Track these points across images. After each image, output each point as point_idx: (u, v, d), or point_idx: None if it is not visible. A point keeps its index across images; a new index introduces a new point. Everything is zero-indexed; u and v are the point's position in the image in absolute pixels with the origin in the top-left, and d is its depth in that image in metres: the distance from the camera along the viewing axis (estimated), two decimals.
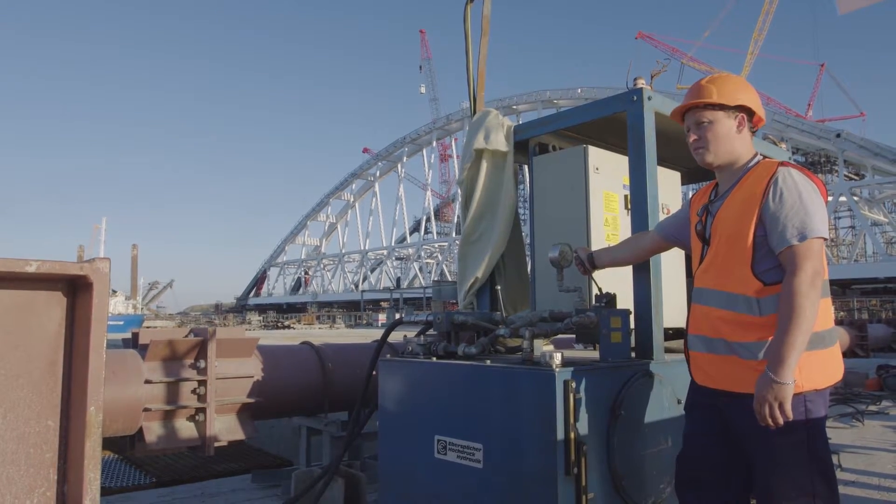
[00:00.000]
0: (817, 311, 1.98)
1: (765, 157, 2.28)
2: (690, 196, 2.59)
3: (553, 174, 3.44)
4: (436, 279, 63.76)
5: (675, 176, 3.74)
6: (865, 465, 4.92)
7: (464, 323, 3.01)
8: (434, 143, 78.39)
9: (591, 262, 2.89)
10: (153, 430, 3.40)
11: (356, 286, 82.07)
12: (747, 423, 2.06)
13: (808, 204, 2.04)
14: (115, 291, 68.49)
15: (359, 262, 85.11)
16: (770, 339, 2.02)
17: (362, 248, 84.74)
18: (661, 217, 3.21)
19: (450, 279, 58.98)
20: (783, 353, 1.93)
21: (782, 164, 2.15)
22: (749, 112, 2.26)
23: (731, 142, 2.23)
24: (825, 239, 2.06)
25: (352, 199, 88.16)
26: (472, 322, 3.03)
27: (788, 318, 1.94)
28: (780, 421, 1.94)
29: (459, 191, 3.73)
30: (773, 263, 2.08)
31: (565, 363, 2.39)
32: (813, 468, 2.03)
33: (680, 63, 69.27)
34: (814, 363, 2.04)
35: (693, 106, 2.26)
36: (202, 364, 3.55)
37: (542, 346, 2.73)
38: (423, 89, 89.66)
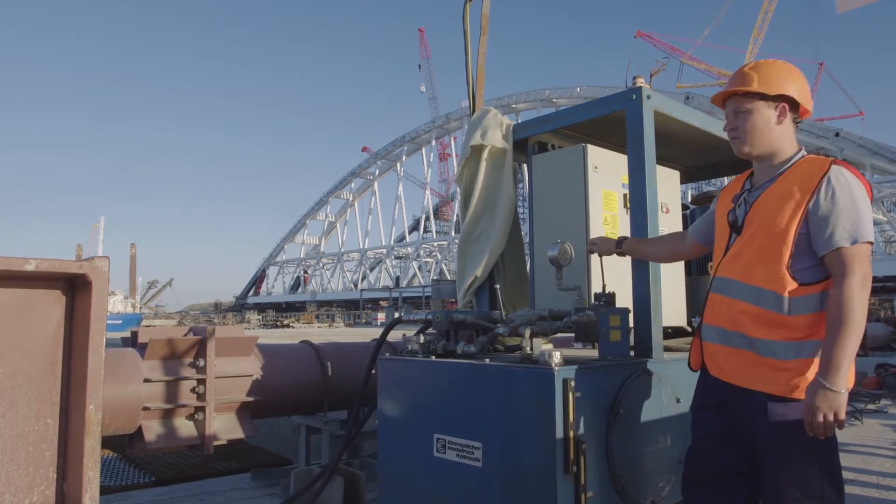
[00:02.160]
0: (866, 316, 1.91)
1: (810, 153, 2.18)
2: (718, 191, 2.52)
3: (552, 173, 3.44)
4: (435, 278, 63.77)
5: (675, 175, 3.74)
6: (864, 464, 4.93)
7: (463, 321, 3.02)
8: (433, 142, 78.25)
9: (619, 245, 2.82)
10: (152, 429, 3.41)
11: (355, 285, 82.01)
12: (756, 422, 2.03)
13: (860, 206, 1.97)
14: (113, 292, 68.44)
15: (358, 261, 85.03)
16: (795, 340, 1.98)
17: (361, 246, 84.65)
18: (661, 216, 3.21)
19: (449, 278, 58.99)
20: (837, 359, 1.86)
21: (835, 161, 2.07)
22: (793, 102, 2.15)
23: (769, 133, 2.14)
24: (871, 243, 2.00)
25: (351, 198, 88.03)
26: (471, 321, 3.03)
27: (840, 324, 1.87)
28: (832, 432, 1.89)
29: (458, 190, 3.73)
30: (811, 263, 2.00)
31: (564, 362, 2.38)
32: (822, 471, 1.99)
33: (679, 62, 69.31)
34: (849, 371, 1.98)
35: (733, 93, 2.18)
36: (201, 363, 3.55)
37: (542, 345, 2.73)
38: (422, 88, 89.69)
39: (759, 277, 2.06)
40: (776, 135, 2.15)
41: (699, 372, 2.31)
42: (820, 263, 2.01)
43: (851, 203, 1.97)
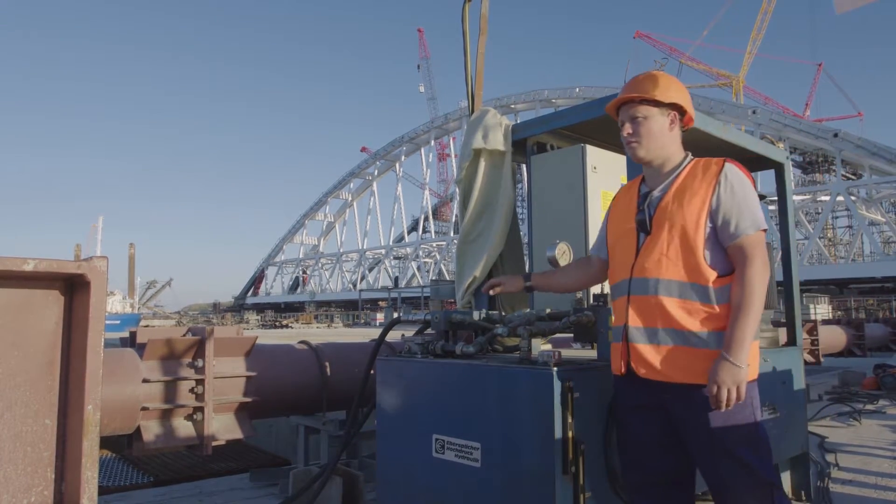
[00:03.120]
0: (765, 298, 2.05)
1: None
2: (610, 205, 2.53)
3: (551, 173, 3.44)
4: (434, 278, 63.79)
5: None
6: (862, 465, 4.93)
7: (461, 322, 3.01)
8: (432, 143, 78.23)
9: (528, 279, 2.81)
10: (151, 429, 3.40)
11: (354, 285, 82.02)
12: (696, 418, 2.08)
13: (754, 198, 2.14)
14: (111, 292, 68.42)
15: (357, 262, 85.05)
16: (722, 330, 2.06)
17: (360, 247, 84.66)
18: None
19: (448, 278, 59.02)
20: (740, 337, 1.99)
21: (727, 160, 2.19)
22: (681, 112, 2.28)
23: (662, 138, 2.24)
24: (766, 230, 2.15)
25: (350, 199, 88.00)
26: (469, 321, 3.03)
27: (744, 305, 2.01)
28: (732, 404, 1.99)
29: (457, 190, 3.73)
30: (720, 256, 2.12)
31: (563, 362, 2.39)
32: (764, 459, 2.08)
33: (678, 62, 69.44)
34: (754, 353, 2.11)
35: (629, 100, 2.27)
36: (200, 363, 3.55)
37: (540, 345, 2.73)
38: (421, 88, 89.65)
39: (682, 272, 2.12)
40: (668, 141, 2.27)
41: (621, 377, 2.27)
42: (726, 255, 2.12)
43: (748, 195, 2.13)
